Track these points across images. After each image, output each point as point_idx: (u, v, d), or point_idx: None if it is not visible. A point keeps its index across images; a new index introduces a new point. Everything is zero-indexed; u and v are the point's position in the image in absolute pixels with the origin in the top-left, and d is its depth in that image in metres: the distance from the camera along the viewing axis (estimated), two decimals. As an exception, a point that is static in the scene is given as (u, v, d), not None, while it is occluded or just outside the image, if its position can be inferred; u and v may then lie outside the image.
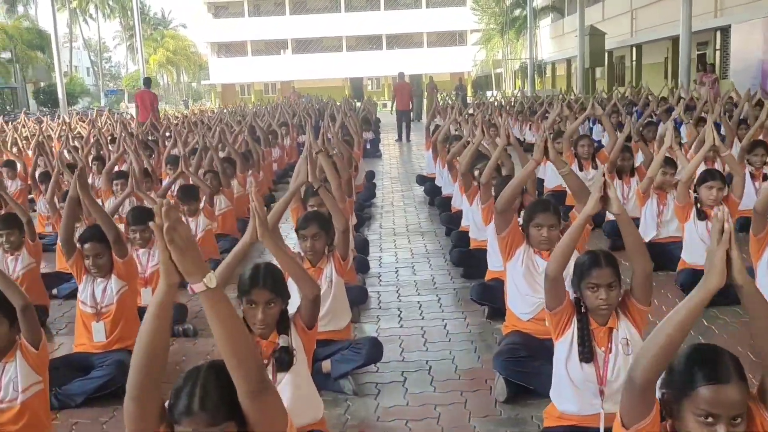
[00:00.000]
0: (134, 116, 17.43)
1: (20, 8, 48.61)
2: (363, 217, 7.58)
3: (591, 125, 13.94)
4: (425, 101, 26.49)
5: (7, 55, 33.38)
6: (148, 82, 16.29)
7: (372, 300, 5.12)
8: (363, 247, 6.05)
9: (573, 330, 2.76)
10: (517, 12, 39.54)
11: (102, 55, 76.37)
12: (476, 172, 5.36)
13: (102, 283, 3.88)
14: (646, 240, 5.17)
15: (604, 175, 2.58)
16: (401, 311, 4.89)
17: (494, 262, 4.56)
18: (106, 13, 57.27)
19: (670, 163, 5.53)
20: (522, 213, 3.90)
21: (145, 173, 6.74)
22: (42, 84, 36.31)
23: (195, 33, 58.59)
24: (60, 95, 24.36)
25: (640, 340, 2.70)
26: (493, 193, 4.50)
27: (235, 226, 6.71)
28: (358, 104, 23.51)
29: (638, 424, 1.81)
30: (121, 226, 4.39)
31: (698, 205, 4.85)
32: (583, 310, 2.75)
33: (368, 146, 13.27)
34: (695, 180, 4.95)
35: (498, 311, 4.32)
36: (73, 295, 4.57)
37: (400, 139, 18.53)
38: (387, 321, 4.71)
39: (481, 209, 4.79)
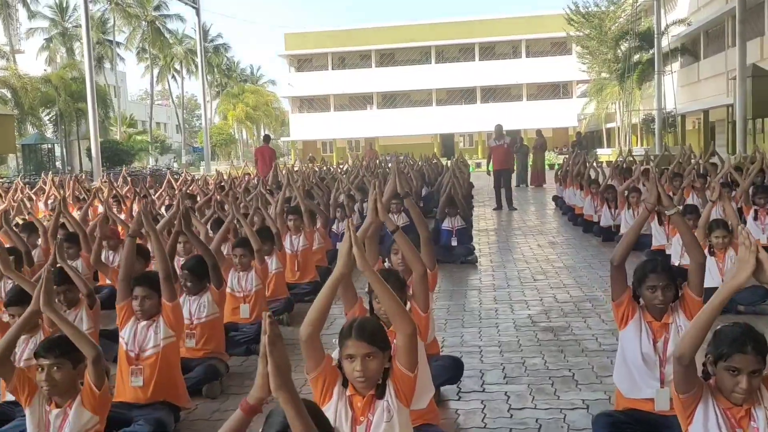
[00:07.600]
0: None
1: (107, 64, 47.50)
2: None
3: None
4: (529, 161, 21.89)
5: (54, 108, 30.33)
6: (267, 138, 17.76)
7: None
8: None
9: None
10: (635, 57, 33.74)
11: (193, 112, 76.54)
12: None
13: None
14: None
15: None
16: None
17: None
18: (191, 69, 56.17)
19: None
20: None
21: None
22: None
23: (279, 88, 56.23)
24: (93, 153, 20.77)
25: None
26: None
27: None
28: (448, 162, 18.61)
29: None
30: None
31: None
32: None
33: (454, 242, 7.95)
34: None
35: None
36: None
37: (499, 207, 14.74)
38: None
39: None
